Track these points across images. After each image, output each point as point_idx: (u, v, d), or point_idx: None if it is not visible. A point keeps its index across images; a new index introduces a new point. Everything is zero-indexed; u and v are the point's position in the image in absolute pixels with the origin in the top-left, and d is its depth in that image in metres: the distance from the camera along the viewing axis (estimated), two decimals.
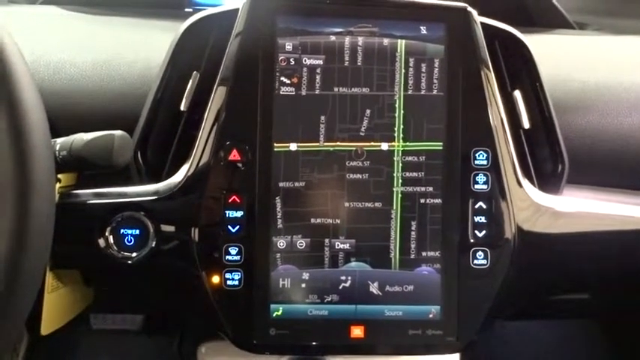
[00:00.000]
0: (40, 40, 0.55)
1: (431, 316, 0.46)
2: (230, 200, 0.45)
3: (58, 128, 0.43)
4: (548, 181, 0.50)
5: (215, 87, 0.46)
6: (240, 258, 0.45)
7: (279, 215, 0.45)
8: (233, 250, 0.45)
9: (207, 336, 0.55)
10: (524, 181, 0.48)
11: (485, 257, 0.46)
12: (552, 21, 0.69)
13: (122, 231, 0.45)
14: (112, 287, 0.54)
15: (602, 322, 0.76)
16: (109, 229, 0.45)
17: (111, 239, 0.45)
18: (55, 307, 0.49)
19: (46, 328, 0.47)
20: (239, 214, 0.45)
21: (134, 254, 0.45)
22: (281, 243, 0.45)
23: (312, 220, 0.46)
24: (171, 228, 0.45)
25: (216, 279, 0.45)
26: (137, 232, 0.45)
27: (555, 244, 0.48)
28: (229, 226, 0.45)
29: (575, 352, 0.76)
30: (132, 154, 0.45)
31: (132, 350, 0.76)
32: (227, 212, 0.45)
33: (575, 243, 0.49)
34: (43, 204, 0.34)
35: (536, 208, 0.47)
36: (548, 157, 0.50)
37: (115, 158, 0.41)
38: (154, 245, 0.45)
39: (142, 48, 0.54)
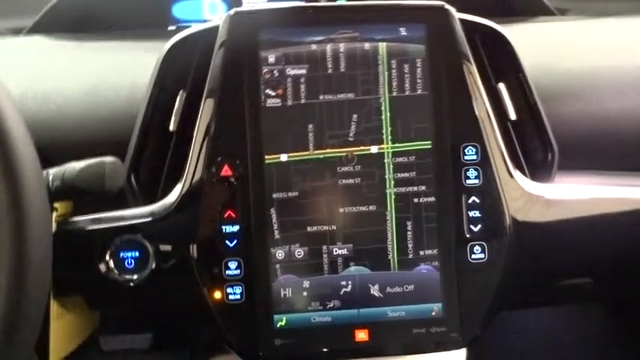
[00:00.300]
0: (26, 71, 0.55)
1: (433, 313, 0.46)
2: (225, 215, 0.45)
3: (50, 158, 0.44)
4: (539, 171, 0.51)
5: (202, 104, 0.46)
6: (240, 272, 0.45)
7: (275, 226, 0.46)
8: (232, 265, 0.45)
9: (216, 350, 0.56)
10: (516, 172, 0.48)
11: (483, 251, 0.46)
12: (532, 9, 0.69)
13: (122, 254, 0.46)
14: (115, 310, 0.54)
15: (608, 305, 0.77)
16: (108, 253, 0.46)
17: (111, 263, 0.46)
18: (62, 334, 0.49)
19: (55, 355, 0.48)
20: (235, 228, 0.45)
21: (135, 276, 0.46)
22: (279, 253, 0.46)
23: (309, 228, 0.46)
24: (169, 247, 0.46)
25: (217, 294, 0.45)
26: (137, 254, 0.46)
27: (551, 232, 0.48)
28: (227, 241, 0.45)
29: (583, 337, 0.77)
30: (124, 179, 0.45)
31: None
32: (223, 227, 0.45)
33: (571, 229, 0.49)
34: (40, 235, 0.34)
35: (529, 198, 0.48)
36: (537, 146, 0.51)
37: (107, 184, 0.41)
38: (154, 266, 0.45)
39: (128, 71, 0.54)
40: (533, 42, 0.59)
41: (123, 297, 0.48)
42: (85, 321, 0.53)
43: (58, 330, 0.48)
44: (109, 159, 0.42)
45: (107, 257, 0.46)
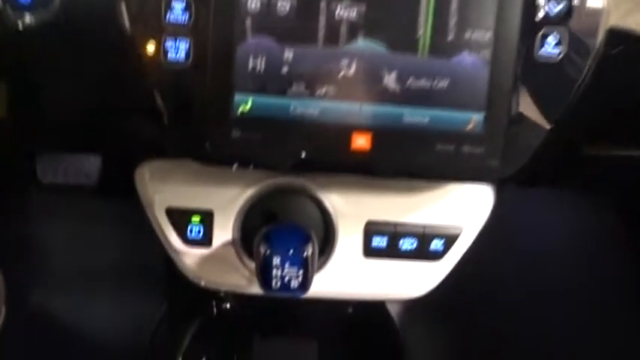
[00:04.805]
0: None
1: (470, 126, 0.32)
2: None
3: None
4: None
5: None
6: (190, 19, 0.31)
7: None
8: (178, 6, 0.30)
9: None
10: None
11: (559, 43, 0.31)
12: None
13: None
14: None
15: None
16: None
17: None
18: None
19: None
20: None
21: (29, 16, 0.31)
22: (253, 2, 0.30)
23: None
24: None
25: (152, 50, 0.31)
26: None
27: None
28: None
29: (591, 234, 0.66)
30: None
31: (87, 211, 0.65)
32: None
33: None
34: None
35: None
36: None
37: None
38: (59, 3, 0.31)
39: None
40: None
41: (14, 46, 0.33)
42: None
43: None
44: None
45: None
